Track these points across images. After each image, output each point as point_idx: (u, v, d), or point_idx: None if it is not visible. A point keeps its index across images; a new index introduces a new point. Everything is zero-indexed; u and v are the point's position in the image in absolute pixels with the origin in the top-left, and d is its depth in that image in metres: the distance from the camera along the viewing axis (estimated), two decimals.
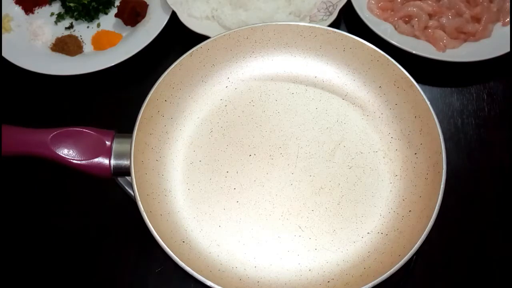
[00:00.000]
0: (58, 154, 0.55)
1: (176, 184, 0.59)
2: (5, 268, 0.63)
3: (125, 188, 0.58)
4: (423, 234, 0.51)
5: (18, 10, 0.84)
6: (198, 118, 0.64)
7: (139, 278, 0.62)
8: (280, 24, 0.65)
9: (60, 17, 0.83)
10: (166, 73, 0.61)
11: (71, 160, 0.55)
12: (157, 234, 0.51)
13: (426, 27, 0.76)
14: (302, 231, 0.56)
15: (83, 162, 0.55)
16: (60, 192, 0.68)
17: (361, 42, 0.63)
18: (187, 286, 0.61)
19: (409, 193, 0.57)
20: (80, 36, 0.81)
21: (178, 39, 0.80)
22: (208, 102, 0.65)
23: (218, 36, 0.64)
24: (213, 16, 0.80)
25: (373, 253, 0.55)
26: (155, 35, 0.77)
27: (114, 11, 0.83)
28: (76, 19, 0.83)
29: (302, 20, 0.79)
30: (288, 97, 0.65)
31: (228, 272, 0.54)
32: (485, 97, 0.74)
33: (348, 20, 0.81)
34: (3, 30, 0.79)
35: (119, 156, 0.56)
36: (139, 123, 0.57)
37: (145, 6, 0.81)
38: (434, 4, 0.77)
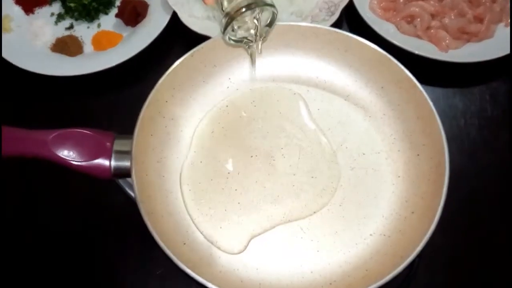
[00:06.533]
0: (58, 156, 0.55)
1: (177, 185, 0.59)
2: (5, 269, 0.63)
3: (125, 190, 0.58)
4: (426, 236, 0.51)
5: (18, 10, 0.83)
6: (199, 119, 0.63)
7: (140, 280, 0.62)
8: (281, 25, 0.64)
9: (60, 18, 0.83)
10: (167, 73, 0.61)
11: (72, 162, 0.55)
12: (158, 235, 0.51)
13: (428, 27, 0.76)
14: (304, 232, 0.56)
15: (84, 163, 0.55)
16: (60, 193, 0.68)
17: (363, 43, 0.62)
18: None
19: (412, 195, 0.57)
20: (81, 36, 0.81)
21: (179, 39, 0.80)
22: (209, 103, 0.64)
23: (220, 36, 0.63)
24: (214, 17, 0.79)
25: (375, 255, 0.55)
26: (155, 36, 0.77)
27: (114, 11, 0.83)
28: (76, 20, 0.83)
29: (304, 20, 0.79)
30: (290, 98, 0.64)
31: (229, 274, 0.54)
32: (488, 98, 0.74)
33: (350, 20, 0.81)
34: (3, 30, 0.79)
35: (120, 157, 0.56)
36: (140, 124, 0.57)
37: (146, 6, 0.81)
38: (436, 4, 0.77)
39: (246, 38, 0.55)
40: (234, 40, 0.54)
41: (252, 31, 0.55)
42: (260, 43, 0.56)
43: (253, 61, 0.58)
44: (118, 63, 0.75)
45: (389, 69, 0.61)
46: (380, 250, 0.55)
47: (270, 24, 0.54)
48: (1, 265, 0.63)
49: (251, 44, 0.55)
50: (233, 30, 0.54)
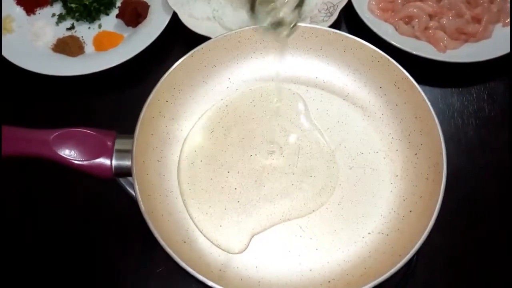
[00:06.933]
0: (60, 155, 0.55)
1: (177, 184, 0.59)
2: (5, 269, 0.63)
3: (126, 189, 0.58)
4: (424, 234, 0.51)
5: (19, 10, 0.84)
6: (199, 118, 0.64)
7: (140, 278, 0.62)
8: None
9: (61, 18, 0.84)
10: (167, 74, 0.61)
11: (73, 161, 0.55)
12: (158, 234, 0.51)
13: (426, 28, 0.77)
14: (303, 231, 0.56)
15: (85, 162, 0.55)
16: (61, 193, 0.68)
17: (362, 43, 0.63)
18: (188, 287, 0.61)
19: (410, 193, 0.58)
20: (82, 37, 0.82)
21: (179, 40, 0.81)
22: (209, 103, 0.65)
23: (219, 37, 0.64)
24: (214, 17, 0.80)
25: (373, 253, 0.55)
26: (156, 36, 0.77)
27: (115, 12, 0.83)
28: (77, 20, 0.83)
29: (303, 21, 0.79)
30: (289, 98, 0.65)
31: (229, 272, 0.54)
32: (486, 98, 0.74)
33: (348, 21, 0.81)
34: (4, 31, 0.80)
35: (121, 156, 0.56)
36: (140, 124, 0.57)
37: (146, 7, 0.81)
38: (434, 5, 0.78)
39: (275, 23, 0.53)
40: (266, 26, 0.52)
41: (282, 14, 0.53)
42: (288, 31, 0.54)
43: (281, 54, 0.56)
44: (119, 63, 0.75)
45: (388, 69, 0.62)
46: (378, 249, 0.55)
47: (300, 4, 0.51)
48: (1, 265, 0.63)
49: (282, 31, 0.53)
50: (259, 15, 0.52)
